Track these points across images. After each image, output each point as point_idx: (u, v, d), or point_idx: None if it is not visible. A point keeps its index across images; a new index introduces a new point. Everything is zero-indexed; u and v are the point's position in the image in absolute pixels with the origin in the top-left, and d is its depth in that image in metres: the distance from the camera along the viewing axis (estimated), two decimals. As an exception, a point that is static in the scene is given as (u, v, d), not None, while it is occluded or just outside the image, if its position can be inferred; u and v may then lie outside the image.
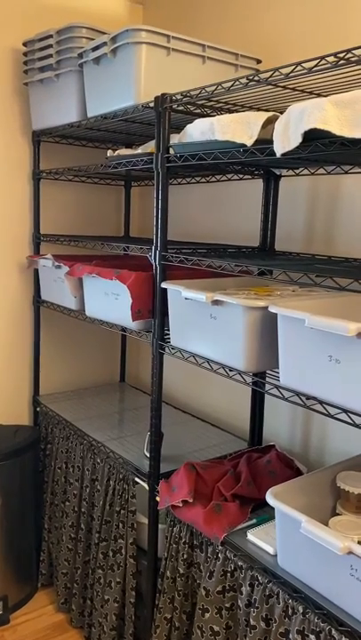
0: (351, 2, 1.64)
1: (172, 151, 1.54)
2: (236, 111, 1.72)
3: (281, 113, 1.20)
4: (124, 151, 1.82)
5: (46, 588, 2.27)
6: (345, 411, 1.14)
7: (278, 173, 1.83)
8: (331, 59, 1.14)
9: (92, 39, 1.87)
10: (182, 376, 2.41)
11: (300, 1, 1.79)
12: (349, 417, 1.14)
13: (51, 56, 1.98)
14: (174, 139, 1.55)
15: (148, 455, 1.73)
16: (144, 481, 1.72)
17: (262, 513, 1.51)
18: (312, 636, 1.17)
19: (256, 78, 1.29)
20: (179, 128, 1.71)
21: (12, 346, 2.37)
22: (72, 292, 1.99)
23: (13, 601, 2.15)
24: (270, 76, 1.26)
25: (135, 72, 1.64)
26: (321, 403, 1.19)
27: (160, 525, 1.71)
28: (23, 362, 2.42)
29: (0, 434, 2.19)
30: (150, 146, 1.78)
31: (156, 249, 1.61)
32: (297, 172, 1.78)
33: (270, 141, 1.21)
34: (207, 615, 1.41)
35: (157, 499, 1.65)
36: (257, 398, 1.96)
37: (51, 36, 1.95)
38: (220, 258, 1.49)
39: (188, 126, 1.47)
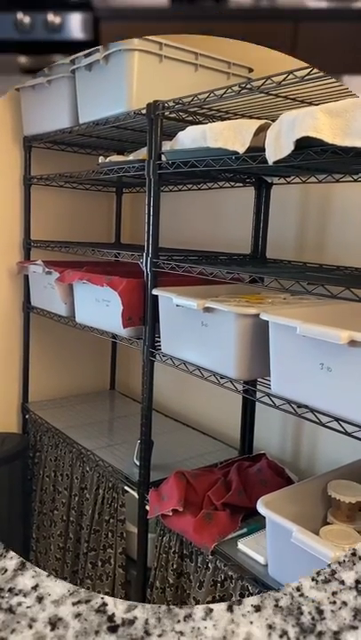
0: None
1: (163, 158, 1.54)
2: (229, 119, 1.72)
3: (273, 121, 1.20)
4: (115, 158, 1.82)
5: (34, 598, 2.23)
6: (336, 419, 1.14)
7: (270, 181, 1.84)
8: (323, 67, 1.15)
9: (85, 46, 1.87)
10: (173, 384, 2.39)
11: (291, 11, 1.80)
12: (341, 425, 1.13)
13: (43, 62, 1.97)
14: (166, 146, 1.55)
15: (138, 463, 1.71)
16: (134, 489, 1.70)
17: (253, 522, 1.50)
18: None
19: (248, 86, 1.30)
20: (171, 135, 1.71)
21: (1, 352, 2.35)
22: (62, 298, 1.97)
23: None
24: (262, 84, 1.26)
25: (127, 79, 1.64)
26: (312, 411, 1.18)
27: (150, 535, 1.70)
28: (12, 368, 2.39)
29: (-12, 441, 2.16)
30: (142, 152, 1.77)
31: (147, 255, 1.60)
32: (288, 179, 1.78)
33: (262, 149, 1.21)
34: (197, 626, 1.40)
35: (147, 507, 1.64)
36: (248, 406, 1.95)
37: (43, 42, 1.95)
38: (211, 265, 1.48)
39: (180, 133, 1.46)
